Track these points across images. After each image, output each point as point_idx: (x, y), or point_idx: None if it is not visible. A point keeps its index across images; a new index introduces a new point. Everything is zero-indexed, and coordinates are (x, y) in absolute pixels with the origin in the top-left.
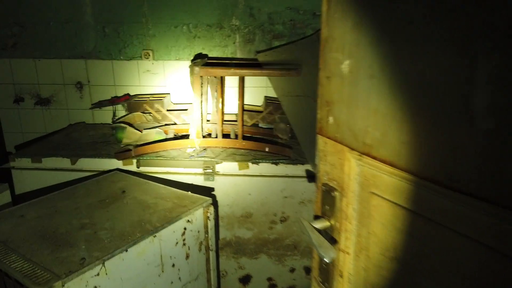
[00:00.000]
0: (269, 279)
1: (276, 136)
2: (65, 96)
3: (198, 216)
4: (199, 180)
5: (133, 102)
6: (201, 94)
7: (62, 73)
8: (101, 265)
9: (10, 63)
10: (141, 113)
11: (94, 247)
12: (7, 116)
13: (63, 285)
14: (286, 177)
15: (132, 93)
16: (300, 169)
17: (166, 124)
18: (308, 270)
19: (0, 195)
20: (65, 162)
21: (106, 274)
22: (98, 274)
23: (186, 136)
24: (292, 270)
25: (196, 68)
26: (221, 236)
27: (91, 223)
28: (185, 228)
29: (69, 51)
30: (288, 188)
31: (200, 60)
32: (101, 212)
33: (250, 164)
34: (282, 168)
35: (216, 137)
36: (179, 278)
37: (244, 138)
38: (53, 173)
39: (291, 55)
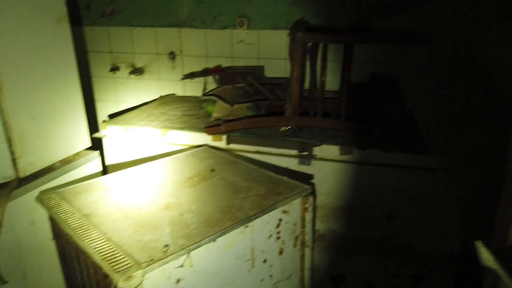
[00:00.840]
0: (367, 282)
1: (385, 118)
2: (158, 66)
3: (295, 206)
4: (292, 163)
5: (224, 74)
6: (301, 66)
7: (156, 42)
8: (186, 255)
9: (108, 31)
10: (233, 86)
11: (179, 233)
12: (103, 84)
13: (144, 275)
14: (398, 168)
15: (224, 65)
16: (416, 159)
17: (258, 99)
18: (415, 279)
19: (92, 162)
20: (155, 134)
21: (191, 266)
22: (182, 265)
23: (280, 113)
24: (396, 277)
25: (299, 34)
26: (315, 227)
27: (177, 203)
28: (280, 220)
29: (163, 19)
30: (401, 180)
31: (302, 27)
32: (188, 192)
33: (354, 149)
34: (395, 157)
35: (315, 116)
36: (270, 275)
37: (347, 118)
38: (142, 144)
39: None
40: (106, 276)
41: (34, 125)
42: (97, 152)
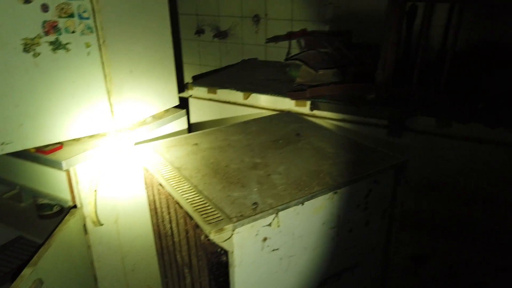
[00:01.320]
0: (451, 267)
1: (490, 91)
2: (241, 29)
3: (387, 177)
4: (381, 134)
5: (309, 39)
6: (398, 30)
7: (241, 5)
8: (274, 214)
9: None
10: (318, 51)
11: (267, 193)
12: (188, 47)
13: (234, 230)
14: (503, 146)
15: (309, 29)
16: None
17: (345, 65)
18: (503, 270)
19: (179, 120)
20: (238, 96)
21: (279, 226)
22: (270, 225)
23: (368, 80)
24: (483, 265)
25: None
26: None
27: (264, 163)
28: (370, 190)
29: None
30: (504, 160)
31: None
32: (275, 154)
33: (453, 122)
34: (500, 133)
35: (409, 84)
36: (354, 246)
37: (447, 89)
38: (225, 105)
39: None
40: (197, 226)
41: (131, 79)
42: (184, 111)
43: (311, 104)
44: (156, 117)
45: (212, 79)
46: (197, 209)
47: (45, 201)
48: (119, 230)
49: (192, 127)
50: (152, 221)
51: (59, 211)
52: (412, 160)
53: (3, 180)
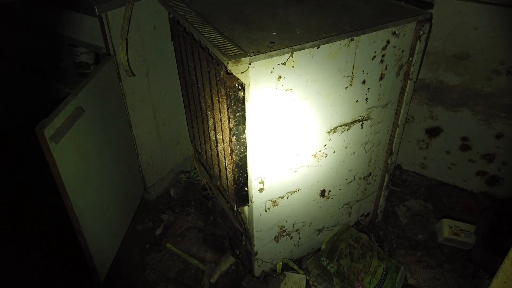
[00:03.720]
0: (464, 138)
1: None
2: None
3: (407, 31)
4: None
5: None
6: None
7: None
8: (289, 54)
9: None
10: None
11: (284, 36)
12: None
13: (250, 63)
14: None
15: None
16: None
17: None
18: None
19: None
20: None
21: (293, 66)
22: (284, 63)
23: None
24: (499, 136)
25: None
26: (420, 76)
27: (285, 14)
28: (388, 42)
29: None
30: None
31: None
32: (296, 6)
33: None
34: None
35: None
36: (366, 99)
37: None
38: None
39: None
40: (217, 64)
41: None
42: None
43: None
44: None
45: None
46: (218, 46)
47: (82, 59)
48: (149, 84)
49: None
50: (179, 72)
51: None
52: (440, 29)
53: (45, 32)
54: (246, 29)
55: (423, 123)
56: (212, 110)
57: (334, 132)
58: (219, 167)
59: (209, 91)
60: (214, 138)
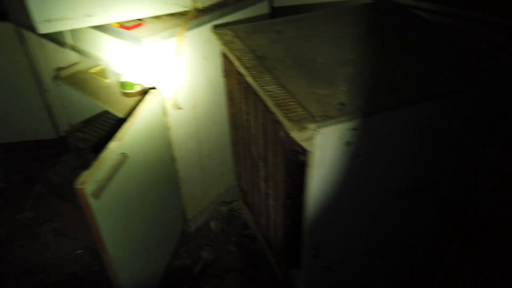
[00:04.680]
0: None
1: None
2: None
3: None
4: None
5: None
6: None
7: None
8: (362, 118)
9: None
10: None
11: (356, 93)
12: None
13: (316, 130)
14: None
15: None
16: None
17: None
18: None
19: (260, 4)
20: None
21: (366, 131)
22: (356, 129)
23: None
24: None
25: None
26: None
27: (355, 60)
28: (477, 101)
29: None
30: None
31: None
32: (368, 49)
33: None
34: None
35: None
36: (447, 160)
37: None
38: None
39: None
40: (276, 121)
41: None
42: None
43: None
44: None
45: None
46: (278, 104)
47: (128, 79)
48: (196, 116)
49: (276, 12)
50: (228, 110)
51: (141, 90)
52: None
53: (90, 54)
54: (311, 81)
55: None
56: (265, 163)
57: (403, 198)
58: (268, 220)
59: (263, 143)
60: (265, 191)
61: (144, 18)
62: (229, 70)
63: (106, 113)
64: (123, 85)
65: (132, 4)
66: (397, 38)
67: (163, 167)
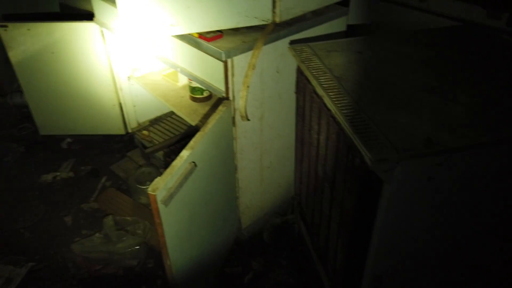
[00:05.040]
0: None
1: None
2: None
3: None
4: None
5: None
6: None
7: None
8: (449, 154)
9: None
10: None
11: (442, 125)
12: None
13: (398, 162)
14: None
15: None
16: None
17: None
18: None
19: (337, 20)
20: None
21: (451, 169)
22: (440, 165)
23: None
24: None
25: None
26: None
27: (441, 87)
28: None
29: None
30: None
31: None
32: (456, 77)
33: None
34: None
35: None
36: None
37: None
38: (394, 7)
39: None
40: (351, 147)
41: None
42: (346, 9)
43: (511, 17)
44: (317, 13)
45: None
46: (357, 130)
47: (197, 85)
48: (262, 128)
49: (351, 29)
50: (296, 126)
51: (208, 96)
52: None
53: (166, 60)
54: (392, 108)
55: None
56: (332, 186)
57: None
58: (328, 242)
59: (332, 165)
60: (328, 213)
61: (223, 30)
62: (303, 87)
63: (171, 113)
64: (192, 90)
65: (215, 17)
66: (487, 65)
67: (225, 176)
